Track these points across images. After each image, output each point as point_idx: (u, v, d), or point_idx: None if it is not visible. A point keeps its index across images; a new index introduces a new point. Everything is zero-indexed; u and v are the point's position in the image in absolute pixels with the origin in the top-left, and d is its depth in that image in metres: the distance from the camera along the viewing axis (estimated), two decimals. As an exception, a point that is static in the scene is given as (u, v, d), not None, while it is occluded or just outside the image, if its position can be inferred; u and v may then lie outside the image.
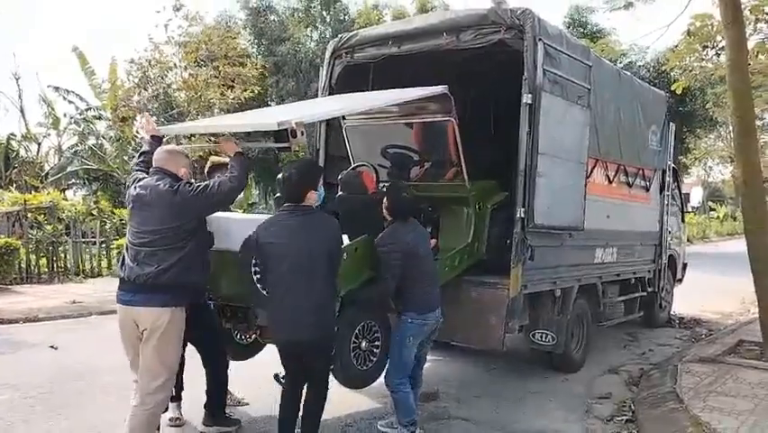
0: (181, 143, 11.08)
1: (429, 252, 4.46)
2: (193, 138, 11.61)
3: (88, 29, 57.05)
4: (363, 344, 4.29)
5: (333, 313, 3.88)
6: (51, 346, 6.88)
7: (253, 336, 4.68)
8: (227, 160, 4.13)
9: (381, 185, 5.50)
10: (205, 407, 4.49)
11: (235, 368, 4.69)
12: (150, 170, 3.84)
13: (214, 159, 5.02)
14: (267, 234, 3.78)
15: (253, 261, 3.99)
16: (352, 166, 5.86)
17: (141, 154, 4.17)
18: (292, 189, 3.89)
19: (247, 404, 5.05)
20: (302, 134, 3.64)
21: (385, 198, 4.40)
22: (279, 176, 5.19)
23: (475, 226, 5.52)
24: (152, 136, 4.20)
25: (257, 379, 4.84)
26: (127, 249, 3.75)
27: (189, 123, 11.72)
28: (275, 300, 3.78)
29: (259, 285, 4.00)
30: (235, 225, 4.22)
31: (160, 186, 3.66)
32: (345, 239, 4.07)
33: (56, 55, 53.93)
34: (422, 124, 5.80)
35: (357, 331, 4.27)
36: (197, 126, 6.75)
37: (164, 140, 4.35)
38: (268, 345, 4.64)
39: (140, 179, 3.81)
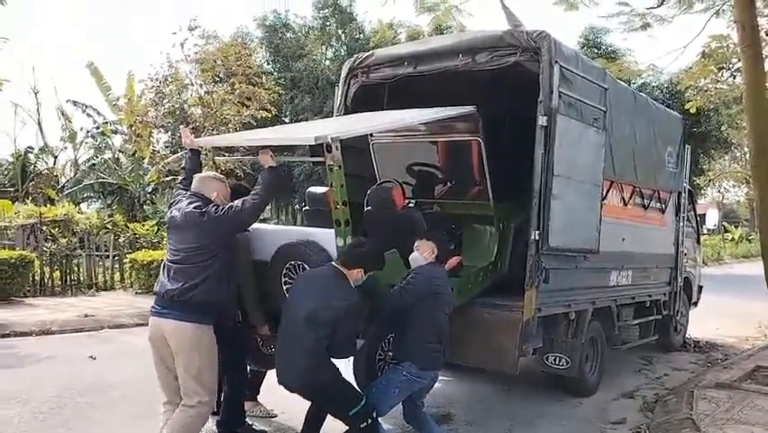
0: (223, 155, 11.26)
1: (450, 305, 4.29)
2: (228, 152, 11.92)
3: (88, 29, 57.57)
4: (389, 355, 4.37)
5: (326, 363, 3.77)
6: (91, 357, 7.05)
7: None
8: (245, 186, 4.42)
9: (407, 201, 5.52)
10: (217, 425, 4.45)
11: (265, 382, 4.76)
12: (187, 194, 4.04)
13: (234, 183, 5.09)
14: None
15: (283, 270, 4.08)
16: (379, 182, 5.85)
17: (182, 171, 4.48)
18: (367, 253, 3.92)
19: (275, 416, 5.04)
20: (337, 149, 3.83)
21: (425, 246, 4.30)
22: (309, 190, 5.30)
23: (499, 245, 5.55)
24: (191, 150, 4.43)
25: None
26: (164, 266, 3.94)
27: (227, 135, 12.15)
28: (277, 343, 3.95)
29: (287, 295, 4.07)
30: (268, 235, 4.33)
31: (190, 208, 3.85)
32: None
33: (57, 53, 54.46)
34: (447, 143, 5.84)
35: (382, 344, 4.34)
36: (235, 139, 6.94)
37: (202, 152, 4.67)
38: None
39: (176, 202, 4.03)
